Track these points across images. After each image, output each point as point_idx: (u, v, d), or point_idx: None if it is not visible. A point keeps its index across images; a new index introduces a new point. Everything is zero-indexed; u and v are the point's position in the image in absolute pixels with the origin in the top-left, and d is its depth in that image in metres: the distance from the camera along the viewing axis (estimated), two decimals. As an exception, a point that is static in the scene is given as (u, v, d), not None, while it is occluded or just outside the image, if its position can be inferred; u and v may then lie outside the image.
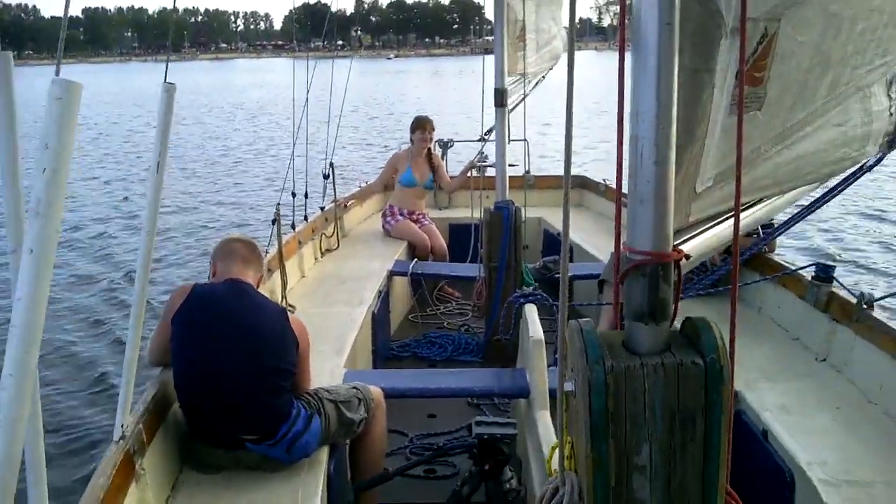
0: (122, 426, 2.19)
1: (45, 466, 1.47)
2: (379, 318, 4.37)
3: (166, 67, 2.18)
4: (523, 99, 5.57)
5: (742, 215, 1.51)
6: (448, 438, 3.56)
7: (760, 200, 1.87)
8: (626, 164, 1.37)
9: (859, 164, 2.12)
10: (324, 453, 2.66)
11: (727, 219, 1.66)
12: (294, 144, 4.53)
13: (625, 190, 1.38)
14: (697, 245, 1.58)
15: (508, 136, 4.63)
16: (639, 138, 1.29)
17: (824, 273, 3.46)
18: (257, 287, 2.76)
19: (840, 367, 3.17)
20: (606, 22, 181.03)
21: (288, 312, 2.71)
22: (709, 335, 1.34)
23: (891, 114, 2.19)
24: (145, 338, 2.35)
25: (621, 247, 1.38)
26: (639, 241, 1.33)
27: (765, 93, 1.57)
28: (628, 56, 1.32)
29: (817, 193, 3.68)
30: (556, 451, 1.54)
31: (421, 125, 5.86)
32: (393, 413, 3.16)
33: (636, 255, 1.34)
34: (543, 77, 6.01)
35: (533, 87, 6.03)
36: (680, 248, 1.38)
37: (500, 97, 4.44)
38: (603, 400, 1.32)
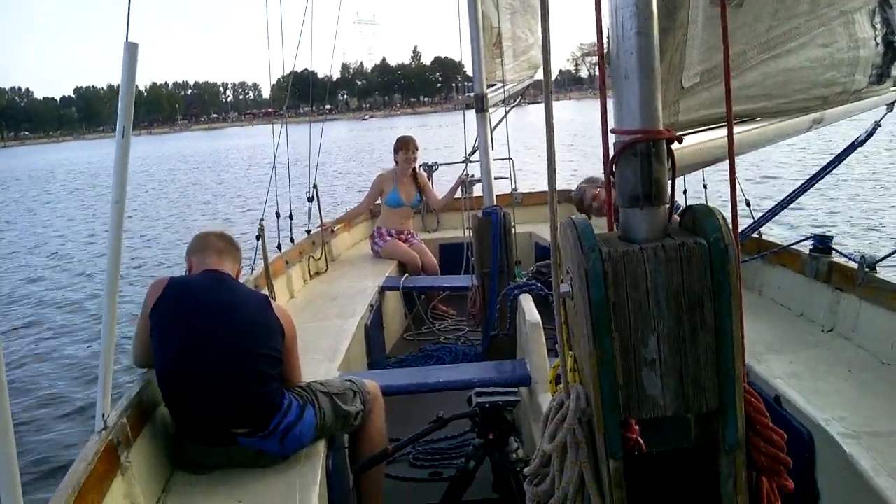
0: (103, 416, 2.12)
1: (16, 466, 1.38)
2: (372, 331, 4.24)
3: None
4: (506, 114, 5.57)
5: (734, 130, 1.44)
6: (452, 442, 3.41)
7: (752, 121, 1.81)
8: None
9: (849, 92, 2.06)
10: (321, 446, 2.54)
11: (720, 127, 1.59)
12: (274, 164, 4.46)
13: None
14: (689, 152, 1.51)
15: (492, 144, 4.60)
16: (618, 8, 1.23)
17: (822, 244, 3.39)
18: (236, 279, 2.66)
19: (848, 334, 3.07)
20: (584, 73, 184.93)
21: (271, 300, 2.61)
22: (711, 218, 1.26)
23: (876, 43, 2.16)
24: (124, 330, 2.27)
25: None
26: (626, 119, 1.26)
27: (746, -13, 1.53)
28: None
29: (810, 173, 3.63)
30: (558, 369, 1.43)
31: (404, 144, 5.79)
32: (394, 417, 3.02)
33: (625, 137, 1.27)
34: (524, 91, 6.01)
35: (515, 104, 6.04)
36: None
37: (481, 103, 4.43)
38: (602, 290, 1.22)
